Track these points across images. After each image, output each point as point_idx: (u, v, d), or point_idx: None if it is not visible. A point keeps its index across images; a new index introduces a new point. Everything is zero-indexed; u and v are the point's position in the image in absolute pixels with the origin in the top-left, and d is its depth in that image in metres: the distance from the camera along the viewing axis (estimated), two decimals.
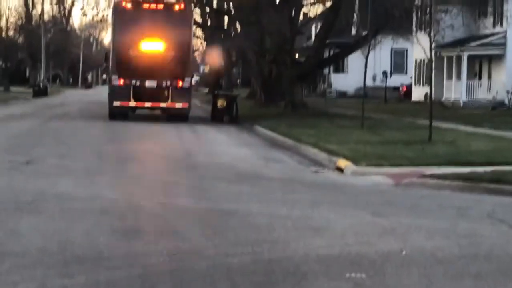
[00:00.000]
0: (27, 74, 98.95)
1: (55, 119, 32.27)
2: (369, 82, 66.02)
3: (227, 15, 49.16)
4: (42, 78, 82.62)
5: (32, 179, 13.39)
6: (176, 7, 31.12)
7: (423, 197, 12.80)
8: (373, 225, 10.06)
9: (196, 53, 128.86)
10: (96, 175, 14.17)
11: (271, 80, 41.21)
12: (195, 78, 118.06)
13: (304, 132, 23.52)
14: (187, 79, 31.04)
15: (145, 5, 30.96)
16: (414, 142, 20.21)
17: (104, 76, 50.64)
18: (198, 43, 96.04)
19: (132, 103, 30.60)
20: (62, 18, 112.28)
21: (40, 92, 66.17)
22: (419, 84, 56.27)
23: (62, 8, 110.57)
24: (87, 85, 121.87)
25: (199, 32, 76.20)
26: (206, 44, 79.11)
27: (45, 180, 13.24)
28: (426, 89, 54.57)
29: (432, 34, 22.37)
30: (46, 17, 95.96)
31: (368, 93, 65.07)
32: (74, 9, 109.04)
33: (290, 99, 35.32)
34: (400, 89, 60.49)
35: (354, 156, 16.90)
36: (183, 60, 30.88)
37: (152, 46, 30.69)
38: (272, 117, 31.68)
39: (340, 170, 15.92)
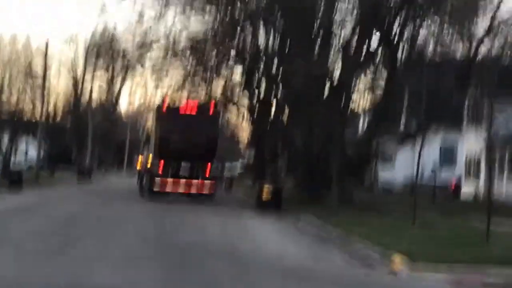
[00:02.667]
0: (73, 158, 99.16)
1: (97, 204, 31.59)
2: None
3: (276, 105, 48.49)
4: (87, 163, 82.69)
5: (66, 269, 12.46)
6: (206, 112, 37.60)
7: None
8: None
9: (242, 138, 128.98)
10: (137, 269, 13.18)
11: (318, 173, 40.23)
12: (239, 165, 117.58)
13: (354, 229, 22.41)
14: (212, 169, 37.10)
15: (182, 110, 37.41)
16: (471, 244, 19.02)
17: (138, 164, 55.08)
18: (245, 126, 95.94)
19: (169, 188, 36.24)
20: (110, 105, 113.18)
21: (85, 178, 66.00)
22: (470, 180, 54.97)
23: (110, 94, 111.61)
24: (133, 172, 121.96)
25: (246, 115, 75.88)
26: (253, 129, 78.63)
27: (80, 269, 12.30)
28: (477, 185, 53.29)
29: (490, 132, 21.44)
30: (93, 102, 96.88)
31: (416, 190, 63.81)
32: (121, 95, 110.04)
33: (338, 193, 34.17)
34: (449, 185, 59.00)
35: (409, 257, 15.78)
36: (211, 154, 36.94)
37: (187, 143, 36.33)
38: (319, 211, 30.60)
39: (394, 273, 14.81)
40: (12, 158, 74.09)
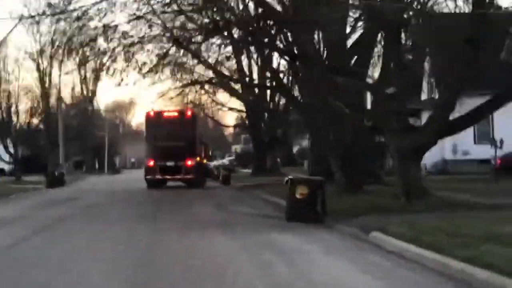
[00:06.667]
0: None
1: (47, 229, 20.84)
2: (447, 155, 54.69)
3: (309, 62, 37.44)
4: (59, 165, 72.01)
5: None
6: (186, 115, 47.43)
7: None
8: None
9: (227, 132, 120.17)
10: None
11: (355, 156, 29.77)
12: (229, 158, 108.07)
13: (477, 249, 11.94)
14: (193, 160, 45.82)
15: (165, 114, 47.46)
16: None
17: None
18: (234, 119, 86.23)
19: (159, 176, 45.58)
20: (86, 99, 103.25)
21: (56, 181, 55.61)
22: None
23: (85, 87, 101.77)
24: (115, 171, 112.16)
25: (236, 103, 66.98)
26: (248, 116, 68.65)
27: None
28: None
29: None
30: (68, 98, 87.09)
31: (448, 168, 53.60)
32: (98, 89, 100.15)
33: (403, 184, 23.26)
34: (492, 162, 48.47)
35: None
36: (191, 148, 46.03)
37: (171, 140, 45.20)
38: (380, 213, 20.17)
39: None
40: None
